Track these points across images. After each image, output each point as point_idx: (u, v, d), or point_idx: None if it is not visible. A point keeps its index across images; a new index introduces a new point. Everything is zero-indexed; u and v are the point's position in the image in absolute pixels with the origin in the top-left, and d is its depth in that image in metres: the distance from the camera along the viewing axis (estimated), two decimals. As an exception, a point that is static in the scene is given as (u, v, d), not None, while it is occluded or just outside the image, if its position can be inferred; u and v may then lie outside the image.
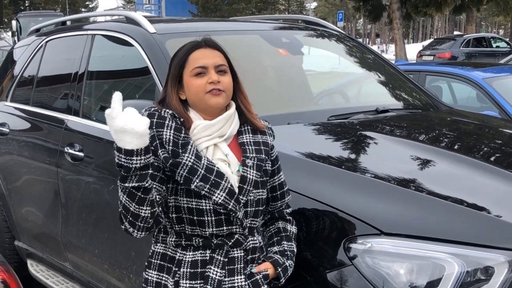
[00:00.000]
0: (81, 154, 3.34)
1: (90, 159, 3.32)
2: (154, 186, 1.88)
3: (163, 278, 2.00)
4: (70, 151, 3.42)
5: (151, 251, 2.08)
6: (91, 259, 3.39)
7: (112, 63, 3.74)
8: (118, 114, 1.77)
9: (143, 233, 1.91)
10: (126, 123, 1.76)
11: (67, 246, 3.60)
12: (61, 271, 3.80)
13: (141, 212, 1.85)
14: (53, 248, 3.80)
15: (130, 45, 3.24)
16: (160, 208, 1.92)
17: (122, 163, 1.80)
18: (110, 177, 3.05)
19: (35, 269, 4.01)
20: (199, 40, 2.06)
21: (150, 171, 1.83)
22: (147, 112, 2.00)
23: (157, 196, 1.89)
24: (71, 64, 3.73)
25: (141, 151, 1.79)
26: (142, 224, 1.88)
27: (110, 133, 1.81)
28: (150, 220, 1.88)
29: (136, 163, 1.79)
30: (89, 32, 3.72)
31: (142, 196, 1.83)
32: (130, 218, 1.87)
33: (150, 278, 2.03)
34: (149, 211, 1.86)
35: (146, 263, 2.07)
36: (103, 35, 3.61)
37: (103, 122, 3.30)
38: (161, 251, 2.04)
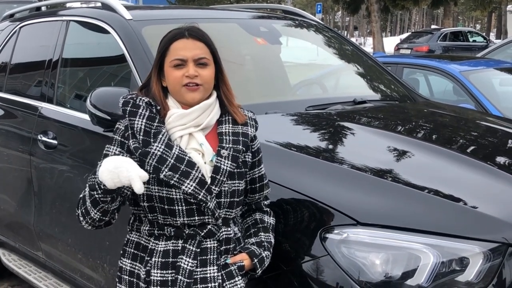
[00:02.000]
0: (55, 142, 3.29)
1: (63, 147, 3.26)
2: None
3: (136, 267, 1.99)
4: (44, 138, 3.36)
5: (126, 239, 2.06)
6: (65, 249, 3.35)
7: (87, 50, 3.67)
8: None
9: (92, 228, 2.02)
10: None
11: (40, 236, 3.55)
12: (34, 261, 3.75)
13: (102, 222, 1.99)
14: (26, 238, 3.74)
15: (106, 31, 3.18)
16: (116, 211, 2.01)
17: (97, 199, 1.89)
18: (84, 166, 3.01)
19: (7, 258, 3.95)
20: (184, 28, 2.01)
21: (118, 200, 1.94)
22: (123, 99, 1.99)
23: (120, 198, 1.95)
24: (45, 50, 3.66)
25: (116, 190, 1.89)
26: (97, 224, 1.99)
27: (104, 174, 1.83)
28: (103, 227, 2.04)
29: (108, 198, 1.90)
30: (64, 18, 3.65)
31: (107, 219, 1.98)
32: (88, 220, 1.97)
33: (124, 266, 2.02)
34: (107, 219, 1.98)
35: (121, 251, 2.05)
36: (78, 21, 3.55)
37: (78, 110, 3.25)
38: (135, 239, 2.03)
